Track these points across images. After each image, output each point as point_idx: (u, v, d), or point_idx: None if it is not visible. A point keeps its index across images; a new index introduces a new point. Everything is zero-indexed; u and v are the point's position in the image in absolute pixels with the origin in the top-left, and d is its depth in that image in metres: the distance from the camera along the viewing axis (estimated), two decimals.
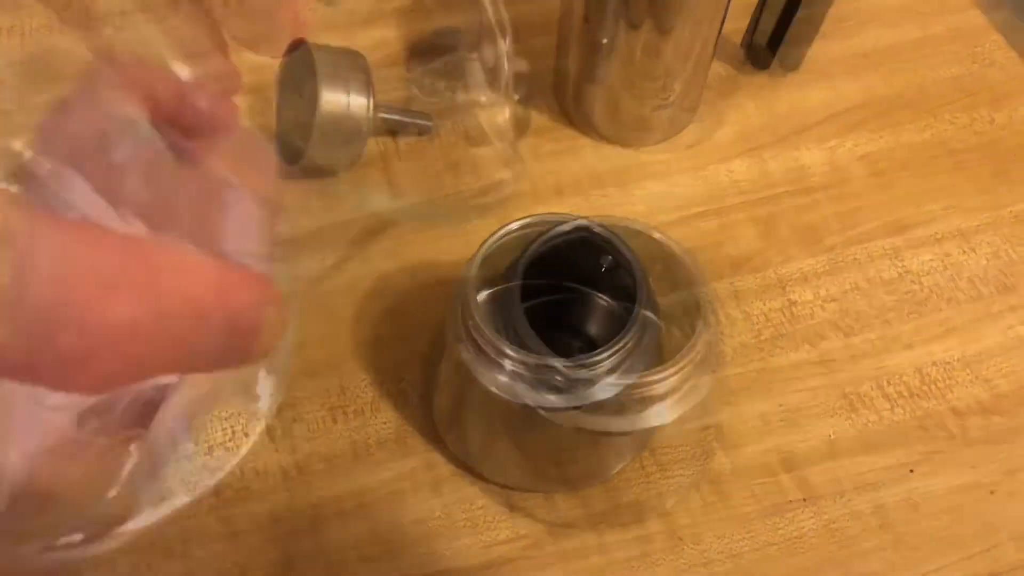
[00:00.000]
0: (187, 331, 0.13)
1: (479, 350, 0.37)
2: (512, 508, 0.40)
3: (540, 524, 0.40)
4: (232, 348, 0.14)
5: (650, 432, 0.41)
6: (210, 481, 0.25)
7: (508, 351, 0.36)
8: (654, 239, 0.40)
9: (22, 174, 0.16)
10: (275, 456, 0.41)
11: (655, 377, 0.35)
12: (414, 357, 0.44)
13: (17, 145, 0.17)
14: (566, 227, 0.40)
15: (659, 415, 0.36)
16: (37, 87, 0.18)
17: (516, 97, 0.51)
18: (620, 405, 0.36)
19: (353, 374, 0.44)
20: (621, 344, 0.36)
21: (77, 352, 0.12)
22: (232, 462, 0.27)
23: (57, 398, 0.16)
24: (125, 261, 0.12)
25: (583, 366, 0.36)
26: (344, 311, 0.45)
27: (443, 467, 0.41)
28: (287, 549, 0.39)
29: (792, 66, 0.55)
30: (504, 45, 0.31)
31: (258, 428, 0.34)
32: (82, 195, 0.17)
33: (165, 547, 0.39)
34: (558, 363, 0.36)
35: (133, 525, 0.21)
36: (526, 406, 0.37)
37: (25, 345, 0.11)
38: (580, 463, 0.40)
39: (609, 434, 0.39)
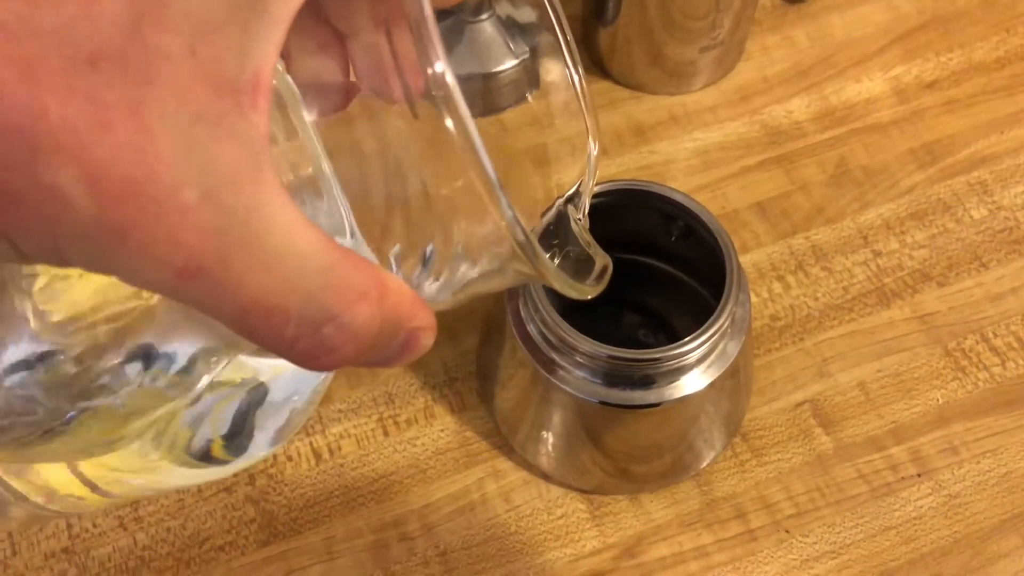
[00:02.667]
0: (385, 337, 0.17)
1: (546, 341, 0.33)
2: (596, 515, 0.36)
3: (629, 530, 0.36)
4: (396, 355, 0.18)
5: (740, 415, 0.37)
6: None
7: (580, 343, 0.32)
8: (671, 199, 0.35)
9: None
10: (324, 479, 0.37)
11: (685, 348, 0.31)
12: (465, 354, 0.40)
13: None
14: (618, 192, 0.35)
15: (692, 383, 0.33)
16: None
17: (524, 56, 0.46)
18: (648, 377, 0.32)
19: (399, 379, 0.39)
20: (716, 327, 0.31)
21: (331, 341, 0.16)
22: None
23: None
24: (369, 280, 0.16)
25: (672, 356, 0.31)
26: None
27: (513, 474, 0.37)
28: None
29: None
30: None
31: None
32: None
33: None
34: (642, 355, 0.31)
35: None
36: (605, 402, 0.33)
37: (302, 333, 0.16)
38: (667, 456, 0.36)
39: (697, 421, 0.35)
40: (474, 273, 0.21)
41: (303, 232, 0.15)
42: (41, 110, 0.13)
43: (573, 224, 0.27)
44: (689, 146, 0.46)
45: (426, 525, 0.36)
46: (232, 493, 0.37)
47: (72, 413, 0.23)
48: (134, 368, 0.21)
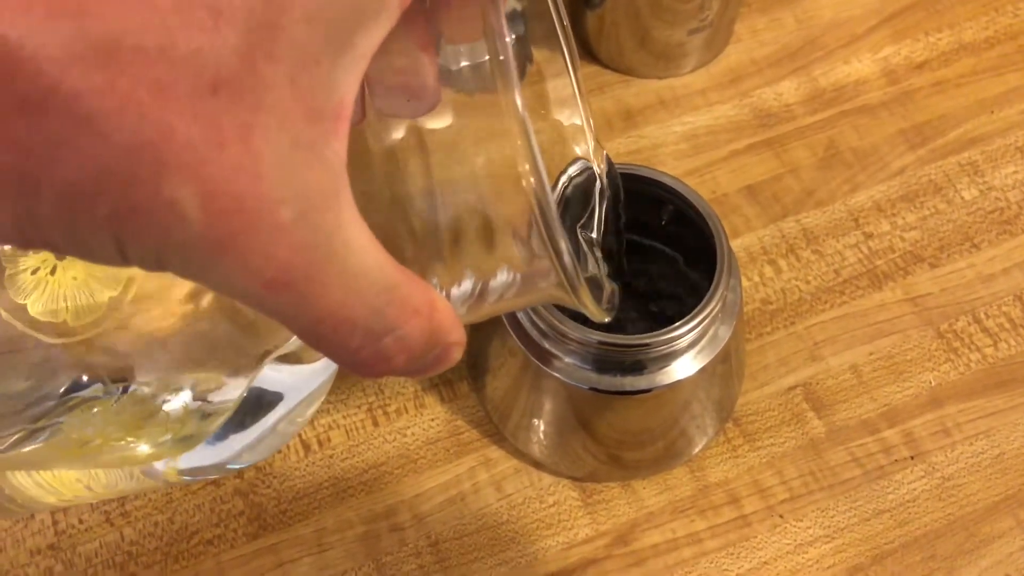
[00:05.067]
0: (421, 351, 0.18)
1: (535, 328, 0.32)
2: (588, 502, 0.36)
3: (621, 518, 0.36)
4: (430, 366, 0.19)
5: (732, 400, 0.37)
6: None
7: (569, 329, 0.31)
8: (665, 184, 0.35)
9: None
10: (314, 470, 0.36)
11: (675, 333, 0.31)
12: None
13: None
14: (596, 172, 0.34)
15: (683, 368, 0.32)
16: None
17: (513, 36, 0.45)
18: (638, 363, 0.32)
19: None
20: (707, 311, 0.31)
21: (388, 352, 0.18)
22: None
23: None
24: (423, 298, 0.18)
25: (663, 342, 0.31)
26: None
27: (504, 463, 0.37)
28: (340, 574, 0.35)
29: None
30: None
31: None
32: None
33: None
34: (633, 341, 0.31)
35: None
36: (595, 388, 0.33)
37: (364, 344, 0.17)
38: (659, 443, 0.35)
39: (688, 406, 0.34)
40: (508, 294, 0.22)
41: (374, 252, 0.17)
42: (169, 130, 0.14)
43: (586, 249, 0.28)
44: (678, 130, 0.45)
45: (417, 515, 0.36)
46: (220, 486, 0.36)
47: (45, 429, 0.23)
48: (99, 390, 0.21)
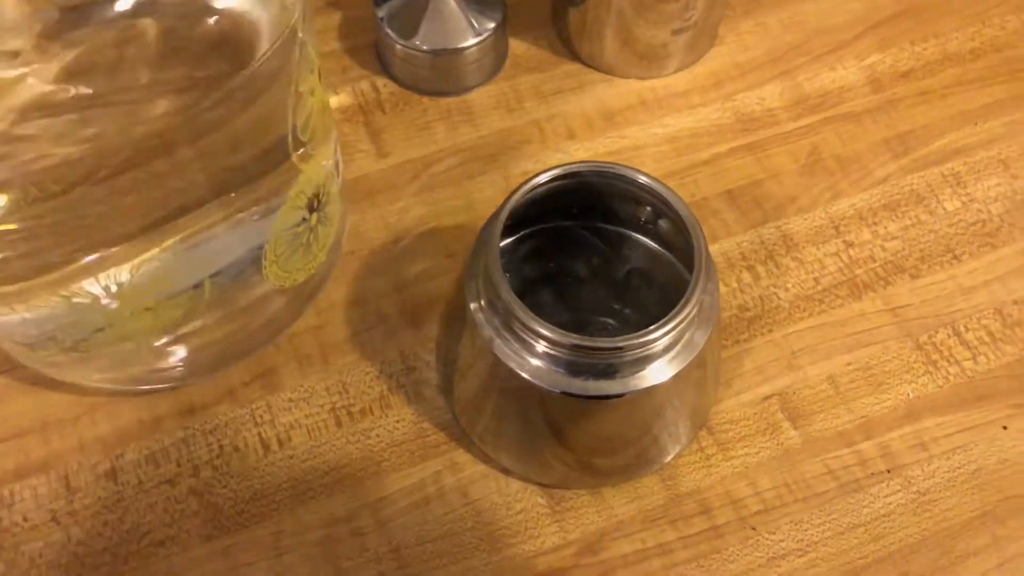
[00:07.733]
0: None
1: (507, 328, 0.31)
2: (556, 510, 0.35)
3: (590, 526, 0.34)
4: None
5: (706, 408, 0.36)
6: None
7: (542, 329, 0.30)
8: (640, 183, 0.34)
9: None
10: (273, 471, 0.35)
11: (650, 337, 0.30)
12: (425, 342, 0.38)
13: None
14: (579, 172, 0.33)
15: (657, 373, 0.31)
16: None
17: (486, 35, 0.44)
18: (611, 367, 0.31)
19: (355, 367, 0.37)
20: (683, 315, 0.30)
21: None
22: None
23: None
24: None
25: (637, 345, 0.30)
26: (335, 294, 0.39)
27: (471, 467, 0.36)
28: None
29: None
30: None
31: None
32: None
33: None
34: (607, 343, 0.30)
35: None
36: (567, 392, 0.32)
37: None
38: (631, 450, 0.34)
39: (662, 413, 0.33)
40: None
41: None
42: None
43: None
44: (659, 132, 0.44)
45: (379, 520, 0.34)
46: (175, 485, 0.35)
47: None
48: None
